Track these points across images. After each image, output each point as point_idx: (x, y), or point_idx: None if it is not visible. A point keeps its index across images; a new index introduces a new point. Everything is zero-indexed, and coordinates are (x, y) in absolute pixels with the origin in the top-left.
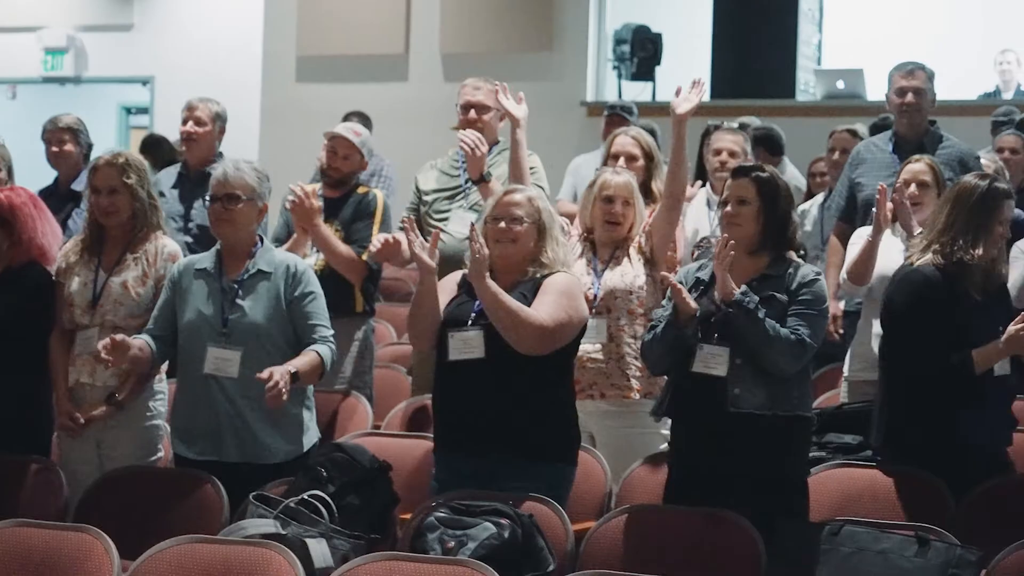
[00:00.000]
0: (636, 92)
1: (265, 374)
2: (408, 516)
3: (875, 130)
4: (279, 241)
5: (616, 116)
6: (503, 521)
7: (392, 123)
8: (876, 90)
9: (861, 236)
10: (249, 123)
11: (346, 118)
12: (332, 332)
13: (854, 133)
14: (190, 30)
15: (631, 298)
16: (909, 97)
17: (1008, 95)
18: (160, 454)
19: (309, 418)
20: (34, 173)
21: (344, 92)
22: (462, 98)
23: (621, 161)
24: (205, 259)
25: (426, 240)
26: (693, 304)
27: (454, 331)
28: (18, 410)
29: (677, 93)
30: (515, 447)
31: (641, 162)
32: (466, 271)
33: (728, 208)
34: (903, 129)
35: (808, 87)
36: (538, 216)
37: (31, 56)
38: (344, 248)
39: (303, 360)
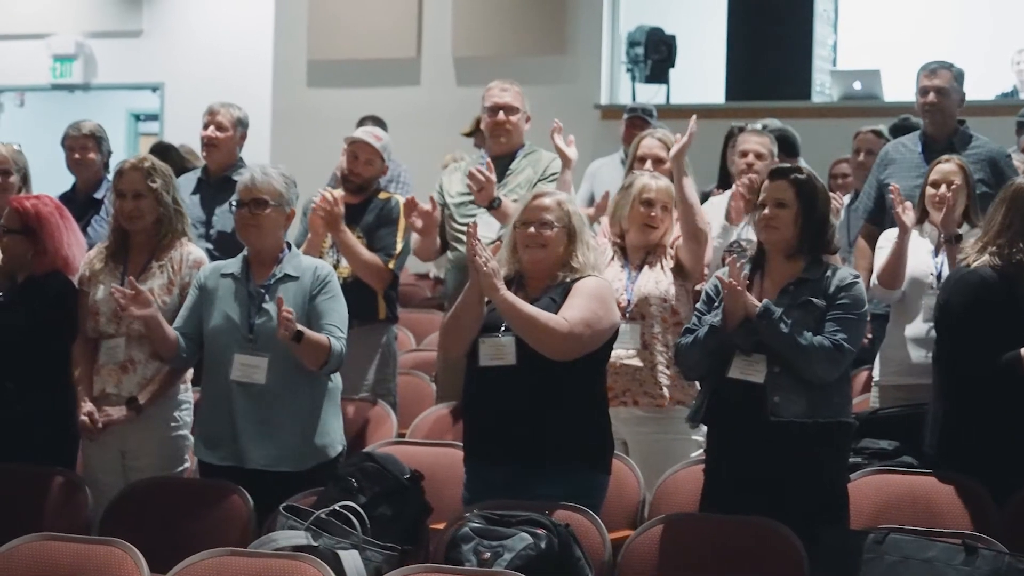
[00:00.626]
0: (650, 95)
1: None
2: (439, 526)
3: (895, 131)
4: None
5: (637, 119)
6: (539, 531)
7: (404, 128)
8: (893, 91)
9: (889, 239)
10: (260, 128)
11: (361, 122)
12: (344, 337)
13: (879, 134)
14: (200, 35)
15: (665, 306)
16: (931, 97)
17: None
18: (186, 464)
19: (336, 426)
20: (44, 181)
21: (356, 97)
22: (489, 100)
23: (648, 164)
24: (232, 264)
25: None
26: (752, 304)
27: (486, 337)
28: (42, 422)
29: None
30: (548, 455)
31: (668, 165)
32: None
33: (766, 211)
34: (930, 129)
35: (824, 88)
36: (568, 220)
37: (40, 63)
38: (369, 255)
39: (312, 333)
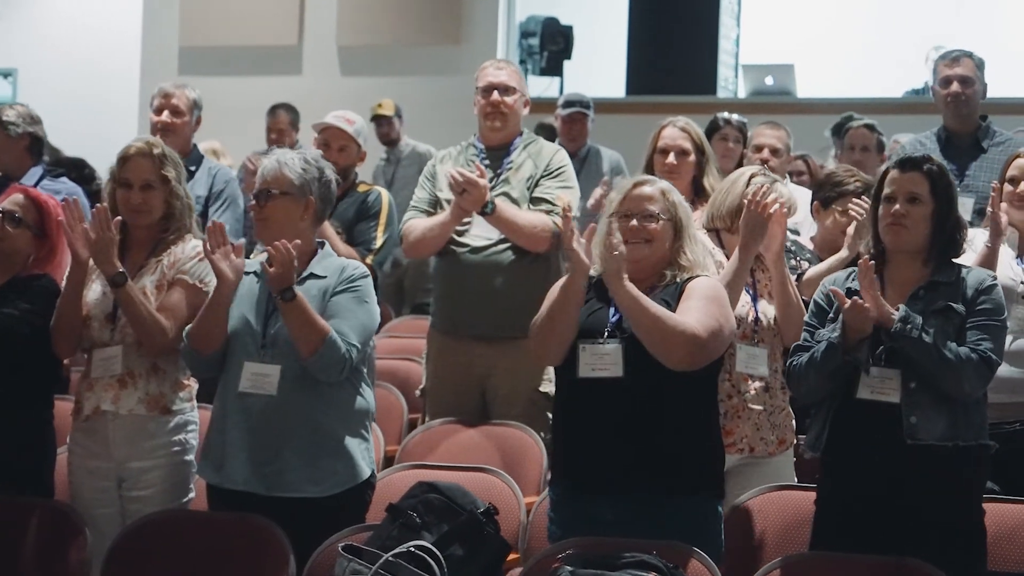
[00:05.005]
0: (542, 88)
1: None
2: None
3: (838, 129)
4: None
5: (578, 113)
6: (651, 574)
7: None
8: (805, 87)
9: None
10: (127, 118)
11: (272, 111)
12: (356, 344)
13: (872, 128)
14: (60, 18)
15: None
16: (955, 87)
17: None
18: (191, 495)
19: (363, 449)
20: None
21: (232, 85)
22: (483, 80)
23: (671, 156)
24: (256, 262)
25: None
26: (886, 313)
27: (586, 343)
28: (18, 442)
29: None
30: (661, 483)
31: (692, 157)
32: (591, 273)
33: (897, 206)
34: (953, 124)
35: (727, 83)
36: (674, 212)
37: None
38: (348, 251)
39: (311, 309)
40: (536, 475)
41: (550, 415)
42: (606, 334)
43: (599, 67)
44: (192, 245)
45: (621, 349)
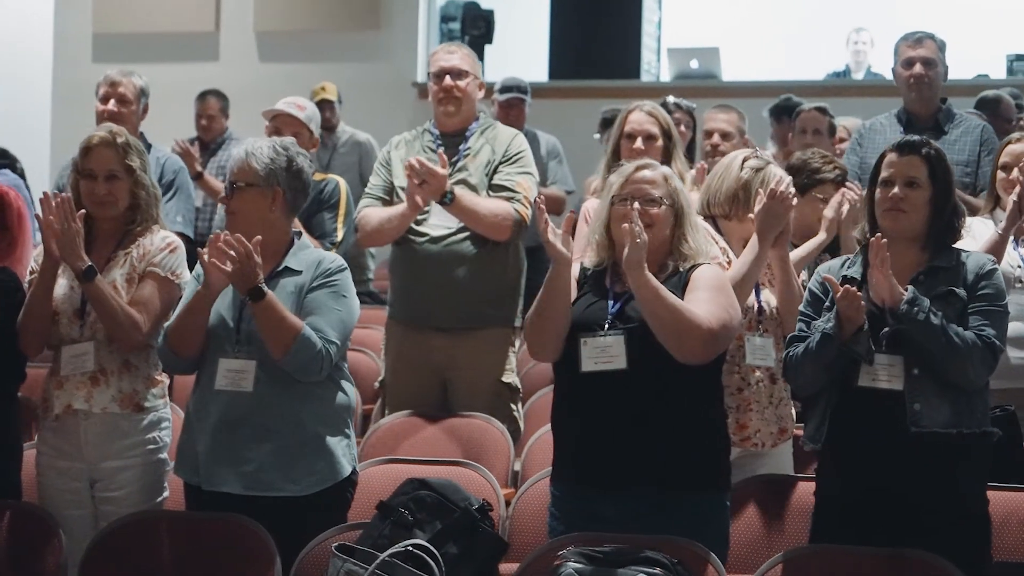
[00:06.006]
0: None
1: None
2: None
3: (777, 112)
4: None
5: (516, 99)
6: (656, 570)
7: None
8: (729, 70)
9: None
10: (40, 107)
11: (201, 97)
12: (335, 341)
13: (823, 111)
14: None
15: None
16: (917, 68)
17: (859, 75)
18: (166, 494)
19: (344, 446)
20: None
21: (148, 73)
22: (435, 65)
23: (638, 142)
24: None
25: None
26: (896, 292)
27: (587, 337)
28: None
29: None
30: (667, 478)
31: (660, 142)
32: (585, 264)
33: (895, 190)
34: (914, 106)
35: (650, 67)
36: (676, 198)
37: None
38: (314, 243)
39: (281, 305)
40: (504, 467)
41: (513, 406)
42: (606, 326)
43: (521, 52)
44: (161, 236)
45: (623, 341)
